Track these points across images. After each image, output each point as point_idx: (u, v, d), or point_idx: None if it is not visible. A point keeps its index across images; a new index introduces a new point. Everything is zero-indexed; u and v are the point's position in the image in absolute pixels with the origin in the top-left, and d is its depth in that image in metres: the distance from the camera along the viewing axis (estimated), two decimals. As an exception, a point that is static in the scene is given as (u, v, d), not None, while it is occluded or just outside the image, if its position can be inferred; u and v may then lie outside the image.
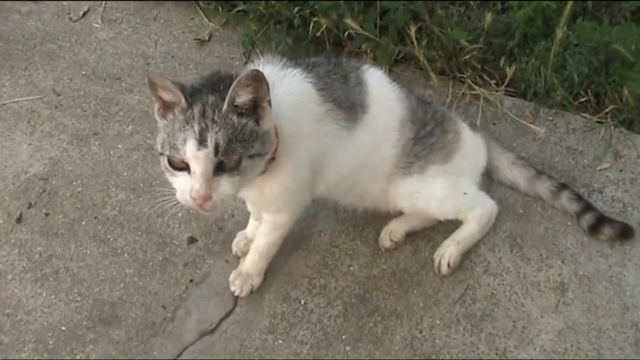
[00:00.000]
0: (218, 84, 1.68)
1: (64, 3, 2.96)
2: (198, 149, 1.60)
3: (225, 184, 1.65)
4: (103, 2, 2.95)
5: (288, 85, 1.83)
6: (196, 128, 1.60)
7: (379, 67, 2.10)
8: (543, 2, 2.54)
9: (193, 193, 1.62)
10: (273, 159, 1.78)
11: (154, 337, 2.09)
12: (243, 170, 1.66)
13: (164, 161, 1.67)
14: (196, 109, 1.63)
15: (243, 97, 1.63)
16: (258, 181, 1.80)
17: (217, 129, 1.61)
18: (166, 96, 1.65)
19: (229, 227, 2.29)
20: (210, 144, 1.60)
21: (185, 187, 1.65)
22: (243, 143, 1.64)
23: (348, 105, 1.92)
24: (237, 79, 1.60)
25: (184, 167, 1.64)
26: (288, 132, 1.78)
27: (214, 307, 2.14)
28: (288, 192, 1.90)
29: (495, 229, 2.25)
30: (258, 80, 1.62)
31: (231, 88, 1.61)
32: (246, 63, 2.64)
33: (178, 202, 1.69)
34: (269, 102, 1.66)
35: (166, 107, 1.67)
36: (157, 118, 1.70)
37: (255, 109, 1.66)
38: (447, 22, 2.62)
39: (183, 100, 1.63)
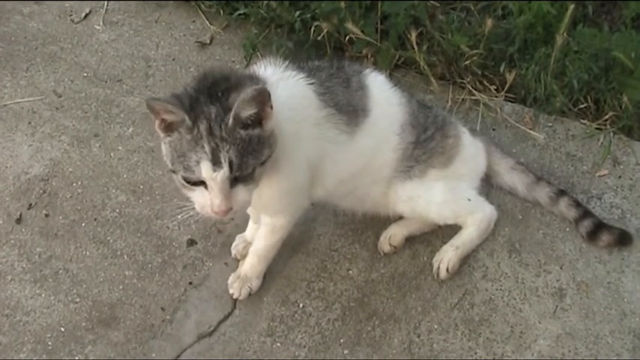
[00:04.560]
0: (214, 89, 1.67)
1: (66, 5, 2.96)
2: (214, 170, 1.61)
3: (242, 194, 1.68)
4: (105, 4, 2.95)
5: (291, 89, 1.83)
6: (207, 148, 1.61)
7: (381, 72, 2.10)
8: (544, 8, 2.55)
9: (215, 208, 1.65)
10: None
11: (152, 339, 2.10)
12: (258, 177, 1.70)
13: (179, 178, 1.68)
14: (202, 127, 1.62)
15: (248, 112, 1.63)
16: None
17: (228, 147, 1.61)
18: (169, 117, 1.65)
19: (228, 230, 2.30)
20: (225, 164, 1.61)
21: (205, 201, 1.67)
22: (254, 154, 1.65)
23: (350, 109, 1.93)
24: (241, 97, 1.60)
25: (200, 182, 1.66)
26: (286, 133, 1.78)
27: (213, 310, 2.15)
28: (286, 194, 1.90)
29: (494, 234, 2.26)
30: (261, 96, 1.62)
31: (236, 105, 1.60)
32: (247, 66, 2.64)
33: (197, 214, 1.73)
34: (270, 106, 1.66)
35: (168, 124, 1.67)
36: (159, 132, 1.69)
37: (258, 114, 1.66)
38: (448, 28, 2.62)
39: (187, 118, 1.62)
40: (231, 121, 1.62)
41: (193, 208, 1.74)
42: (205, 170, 1.62)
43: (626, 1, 2.68)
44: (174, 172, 1.69)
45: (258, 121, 1.66)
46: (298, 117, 1.84)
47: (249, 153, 1.64)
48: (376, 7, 2.59)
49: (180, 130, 1.65)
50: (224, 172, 1.62)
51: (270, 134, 1.69)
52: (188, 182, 1.68)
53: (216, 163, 1.61)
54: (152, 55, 2.78)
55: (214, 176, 1.62)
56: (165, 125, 1.67)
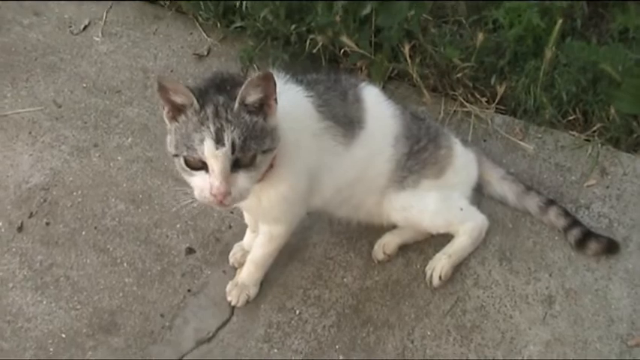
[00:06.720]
0: (223, 84, 1.74)
1: (66, 16, 2.99)
2: (217, 148, 1.66)
3: (242, 180, 1.71)
4: (104, 16, 2.98)
5: (291, 100, 1.88)
6: (212, 128, 1.66)
7: (375, 84, 2.14)
8: (533, 21, 2.58)
9: (214, 190, 1.68)
10: (271, 166, 1.82)
11: (152, 345, 2.13)
12: (258, 165, 1.73)
13: (180, 162, 1.73)
14: (209, 110, 1.68)
15: (253, 97, 1.69)
16: (257, 188, 1.83)
17: (232, 128, 1.67)
18: (178, 99, 1.70)
19: (226, 238, 2.33)
20: (227, 142, 1.66)
21: (204, 185, 1.70)
22: (257, 140, 1.70)
23: (346, 121, 1.97)
24: (249, 79, 1.66)
25: (201, 167, 1.70)
26: (287, 141, 1.82)
27: (211, 317, 2.18)
28: (285, 201, 1.93)
29: (485, 242, 2.30)
30: (268, 80, 1.69)
31: (243, 87, 1.67)
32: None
33: (194, 201, 1.76)
34: (275, 99, 1.73)
35: (176, 110, 1.72)
36: (167, 120, 1.75)
37: (262, 106, 1.72)
38: (440, 41, 2.66)
39: (195, 101, 1.68)
40: (237, 105, 1.68)
41: (191, 195, 1.76)
42: (208, 148, 1.66)
43: (614, 15, 2.73)
44: (176, 155, 1.73)
45: (262, 109, 1.72)
46: (298, 127, 1.88)
47: (252, 138, 1.69)
48: (370, 20, 2.63)
49: (188, 113, 1.70)
50: (226, 149, 1.66)
51: (274, 129, 1.75)
52: (189, 166, 1.72)
53: (219, 141, 1.66)
54: (150, 67, 2.81)
55: (216, 154, 1.66)
56: (173, 112, 1.73)
